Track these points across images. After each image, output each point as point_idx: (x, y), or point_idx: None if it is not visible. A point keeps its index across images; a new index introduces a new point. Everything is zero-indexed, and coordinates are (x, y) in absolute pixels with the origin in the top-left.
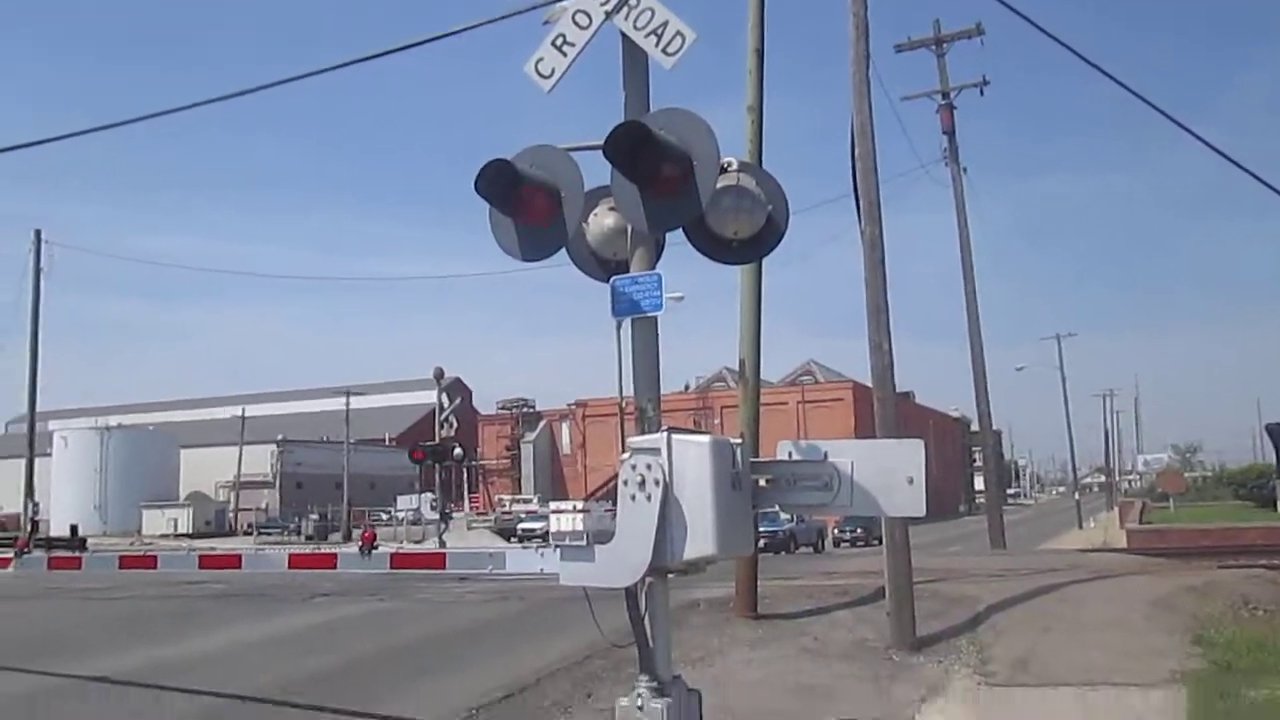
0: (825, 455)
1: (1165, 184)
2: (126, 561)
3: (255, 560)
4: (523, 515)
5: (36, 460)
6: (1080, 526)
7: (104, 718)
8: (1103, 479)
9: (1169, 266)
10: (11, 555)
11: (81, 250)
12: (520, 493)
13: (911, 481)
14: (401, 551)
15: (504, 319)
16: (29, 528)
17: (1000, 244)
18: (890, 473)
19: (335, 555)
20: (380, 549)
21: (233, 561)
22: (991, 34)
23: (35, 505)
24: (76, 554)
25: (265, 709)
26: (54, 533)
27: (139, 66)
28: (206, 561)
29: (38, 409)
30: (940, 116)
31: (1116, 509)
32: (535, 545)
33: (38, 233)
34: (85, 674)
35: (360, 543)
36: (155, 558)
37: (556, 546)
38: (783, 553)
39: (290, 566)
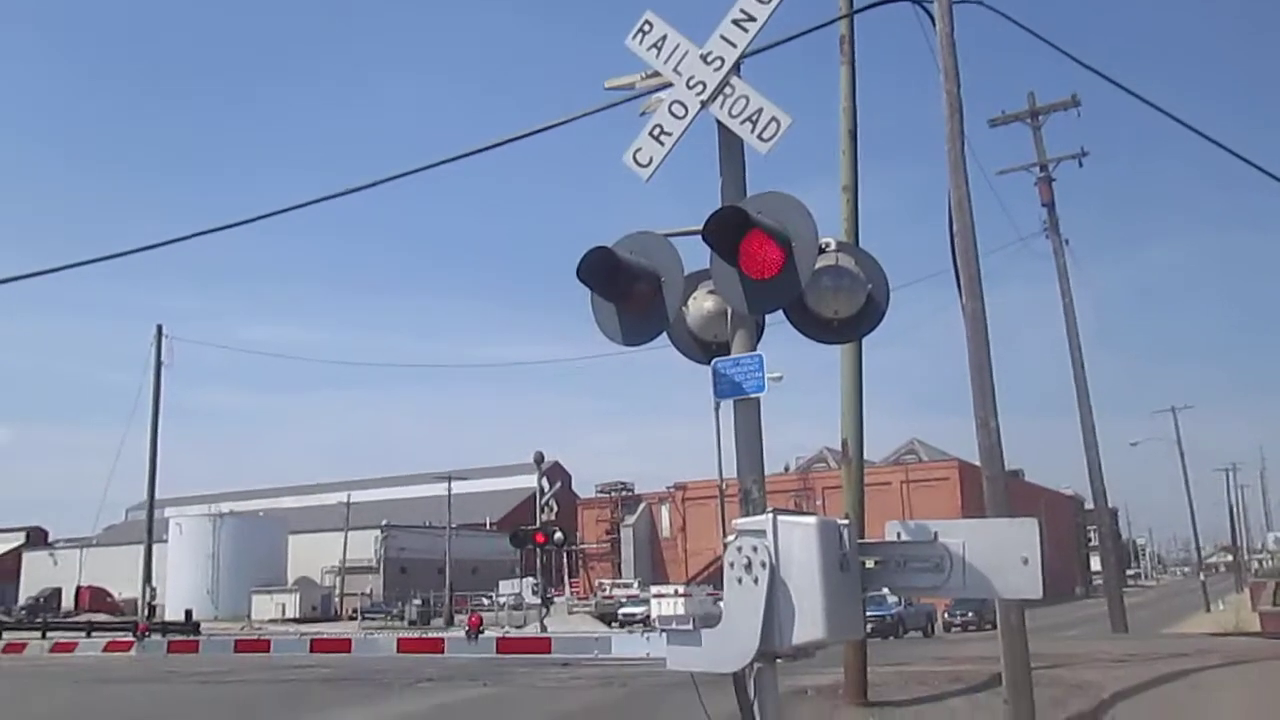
0: (935, 535)
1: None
2: (241, 645)
3: (364, 644)
4: (623, 600)
5: (154, 546)
6: (1208, 609)
7: None
8: (1229, 558)
9: None
10: (132, 639)
11: (198, 343)
12: (620, 577)
13: (1026, 562)
14: (507, 636)
15: (602, 403)
16: (147, 612)
17: (1109, 317)
18: (1003, 553)
19: (443, 640)
20: (486, 633)
21: (343, 645)
22: (1090, 106)
23: (153, 590)
24: (193, 638)
25: None
26: (169, 617)
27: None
28: (317, 645)
29: (156, 497)
30: (1039, 189)
31: (1247, 590)
32: (639, 630)
33: (159, 327)
34: None
35: (467, 627)
36: (269, 641)
37: (663, 630)
38: (891, 638)
39: (399, 650)
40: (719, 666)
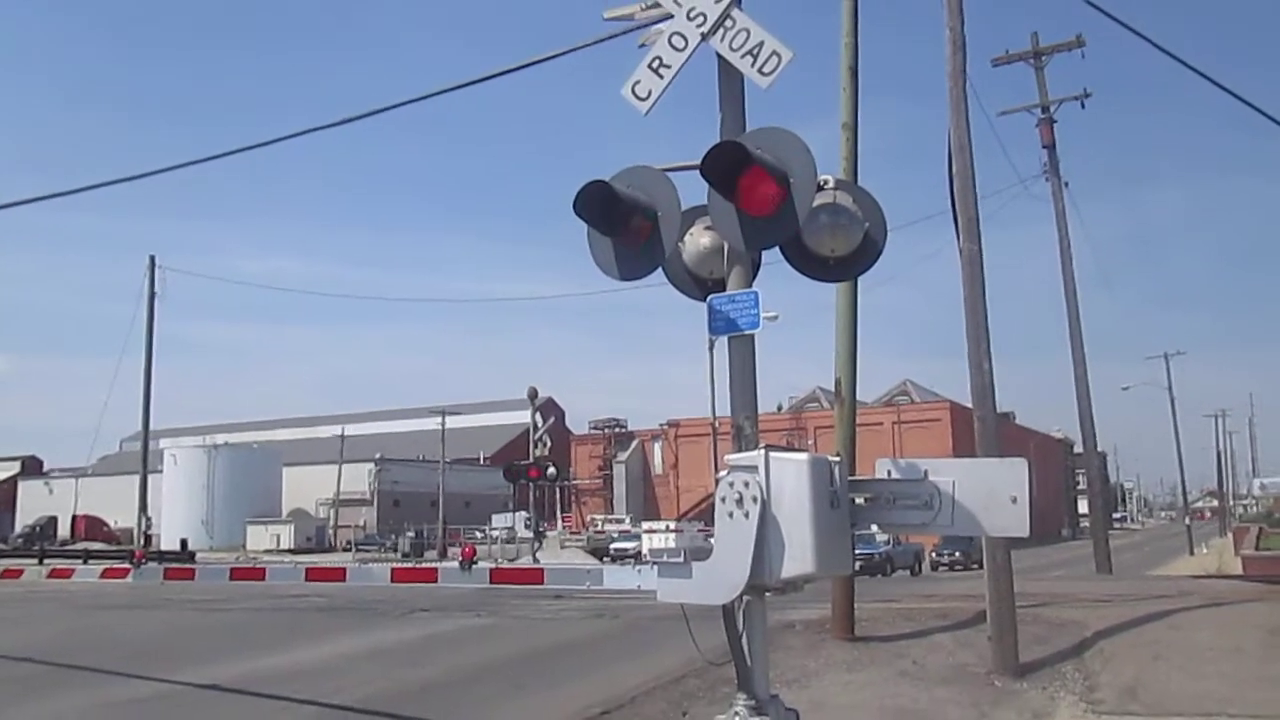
0: (925, 474)
1: (1278, 194)
2: (237, 573)
3: (359, 574)
4: (615, 535)
5: (149, 477)
6: (1192, 552)
7: None
8: (1215, 503)
9: None
10: (129, 566)
11: (192, 274)
12: (612, 512)
13: (1015, 501)
14: (500, 567)
15: (597, 339)
16: (143, 541)
17: (1106, 261)
18: (992, 492)
19: (436, 570)
20: (480, 564)
21: (337, 575)
22: (1093, 45)
23: (148, 520)
24: (189, 566)
25: None
26: (164, 546)
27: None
28: (312, 574)
29: (150, 428)
30: (1040, 131)
31: (1231, 534)
32: (631, 564)
33: (152, 258)
34: (198, 681)
35: (460, 558)
36: (264, 570)
37: (654, 563)
38: (879, 575)
39: (393, 580)
40: (709, 599)
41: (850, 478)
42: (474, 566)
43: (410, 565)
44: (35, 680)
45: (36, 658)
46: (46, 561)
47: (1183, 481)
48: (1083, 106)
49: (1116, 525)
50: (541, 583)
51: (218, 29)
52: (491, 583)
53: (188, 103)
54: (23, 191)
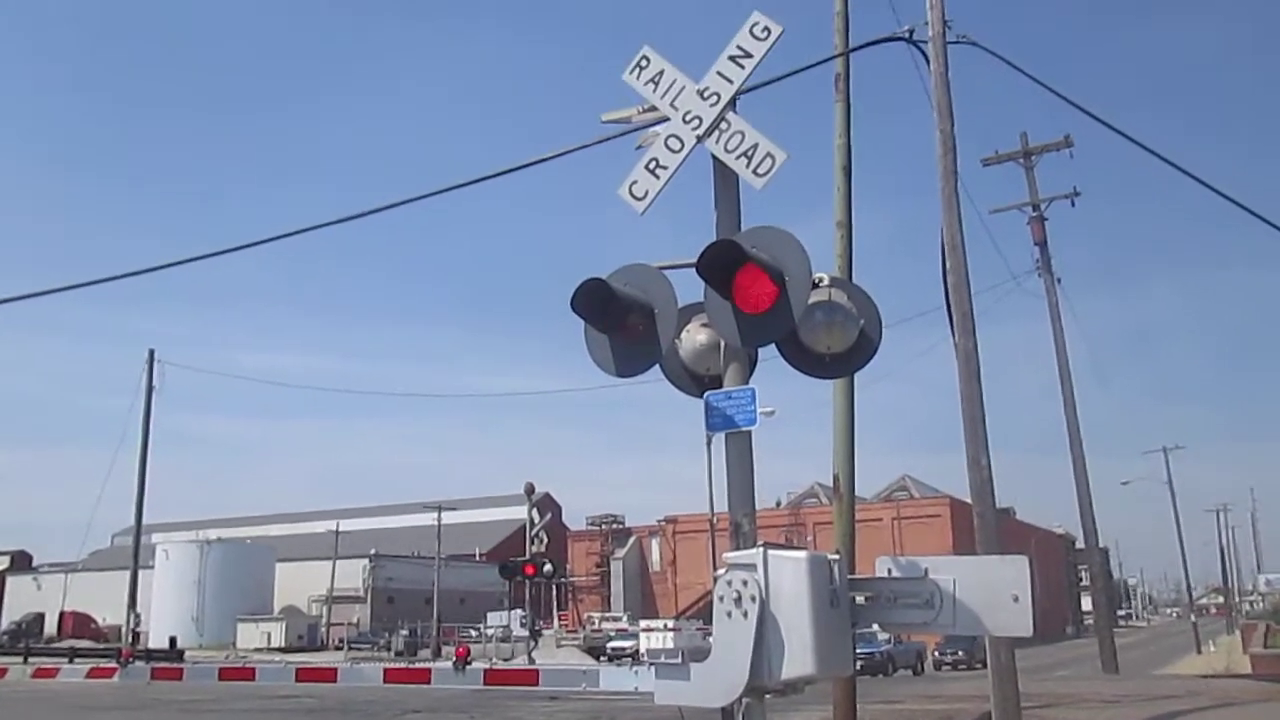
0: (926, 572)
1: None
2: (226, 673)
3: (350, 674)
4: (612, 633)
5: (139, 573)
6: (1199, 650)
7: None
8: (1220, 600)
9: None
10: (116, 665)
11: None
12: (610, 610)
13: (1017, 600)
14: (494, 668)
15: (594, 434)
16: (131, 639)
17: (1101, 355)
18: (994, 590)
19: (430, 670)
20: (474, 665)
21: (328, 675)
22: (1081, 143)
23: (137, 617)
24: (177, 665)
25: None
26: (153, 644)
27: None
28: (303, 675)
29: (143, 522)
30: (1031, 228)
31: (1239, 632)
32: (628, 664)
33: (151, 352)
34: None
35: (455, 658)
36: (254, 670)
37: (651, 664)
38: (880, 675)
39: (385, 681)
40: (707, 701)
41: (850, 576)
42: (468, 666)
43: (403, 665)
44: None
45: None
46: (31, 660)
47: (1187, 577)
48: (1073, 204)
49: (1121, 622)
50: (536, 684)
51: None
52: (486, 684)
53: (187, 171)
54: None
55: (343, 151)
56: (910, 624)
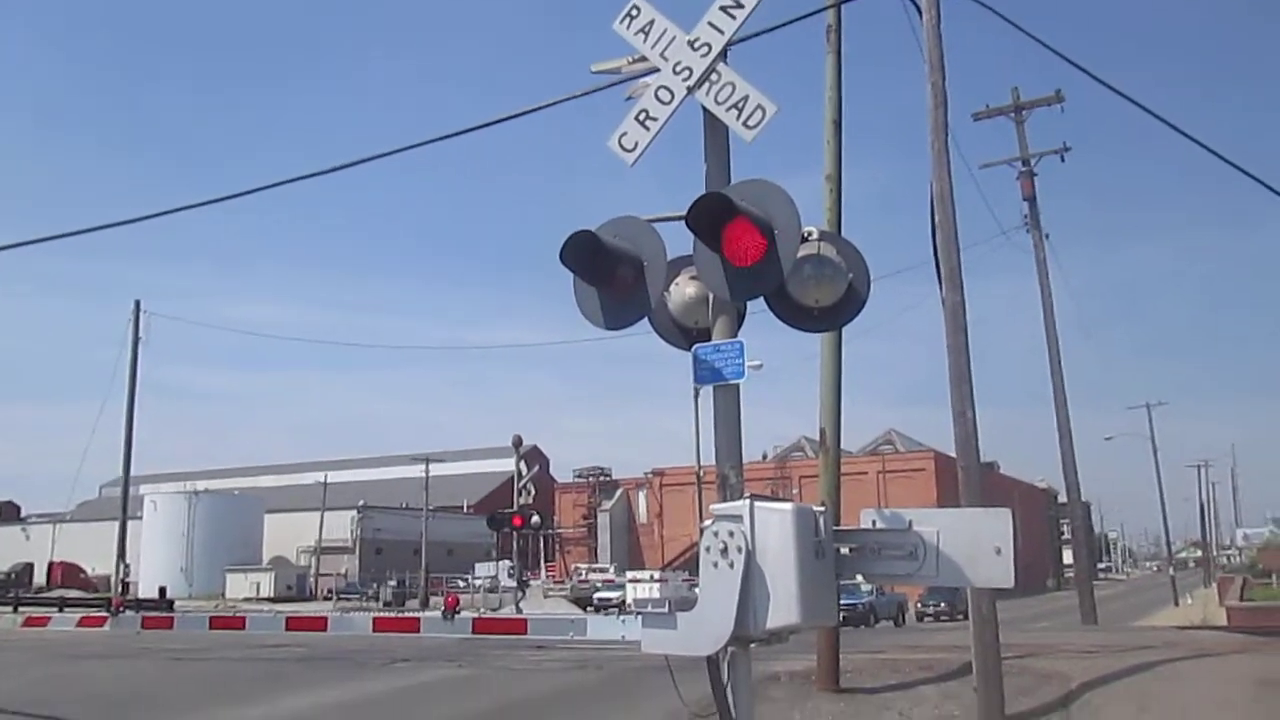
0: (910, 524)
1: (1256, 245)
2: (216, 622)
3: (340, 623)
4: (599, 585)
5: (128, 524)
6: (1176, 603)
7: None
8: (1199, 554)
9: (1262, 331)
10: (106, 615)
11: (176, 319)
12: (596, 561)
13: (999, 551)
14: (483, 617)
15: (581, 387)
16: (121, 589)
17: (1087, 311)
18: (977, 542)
19: (419, 619)
20: (462, 614)
21: (318, 624)
22: (1072, 99)
23: (126, 567)
24: (167, 614)
25: None
26: (142, 594)
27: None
28: (293, 624)
29: (131, 473)
30: (1021, 183)
31: (1215, 585)
32: (614, 614)
33: (137, 303)
34: None
35: (444, 608)
36: (244, 619)
37: (638, 613)
38: (862, 626)
39: (375, 630)
40: (693, 650)
41: (835, 528)
42: (457, 616)
43: (392, 615)
44: None
45: (9, 708)
46: (21, 609)
47: (1166, 532)
48: (1062, 160)
49: (1101, 576)
50: (525, 633)
51: (213, 64)
52: (474, 633)
53: (172, 137)
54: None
55: (335, 127)
56: (894, 575)
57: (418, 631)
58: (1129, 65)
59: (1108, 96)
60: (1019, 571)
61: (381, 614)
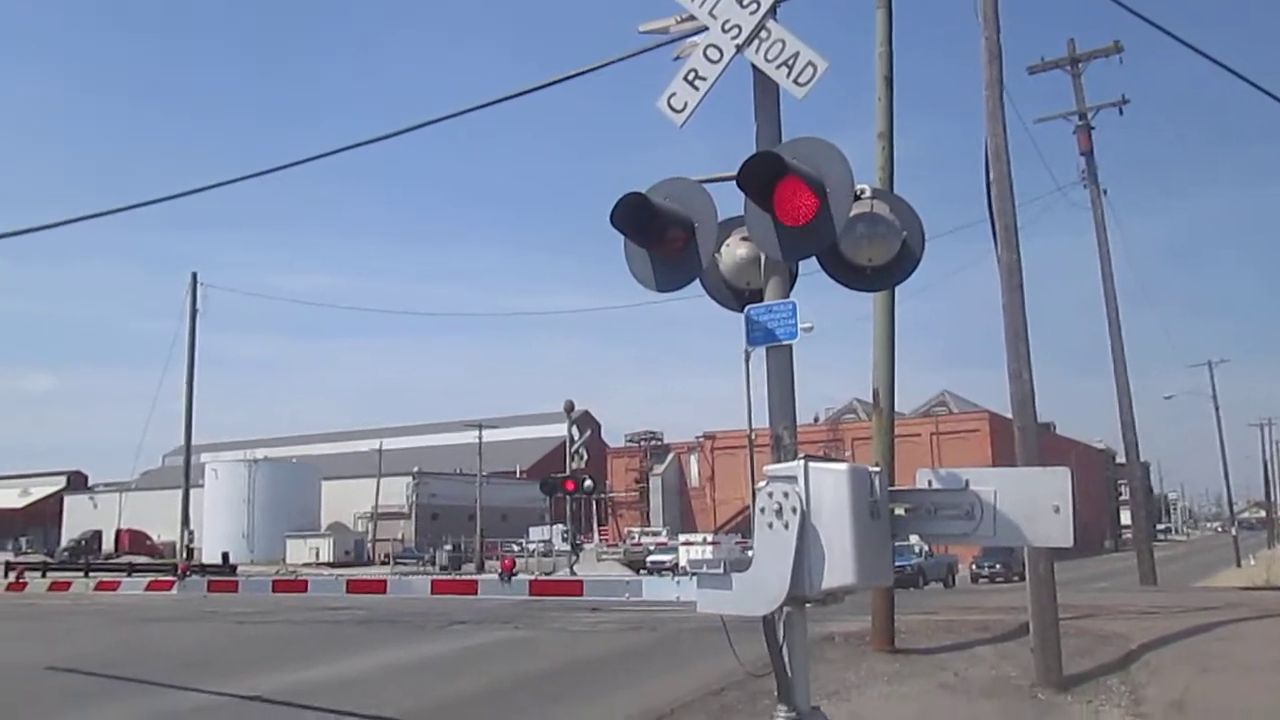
0: (966, 483)
1: None
2: (279, 586)
3: (399, 586)
4: (652, 547)
5: (190, 491)
6: (1239, 564)
7: None
8: (1262, 514)
9: None
10: (173, 579)
11: (233, 290)
12: (649, 525)
13: (1058, 510)
14: (539, 579)
15: (633, 351)
16: (186, 554)
17: (1146, 268)
18: (1035, 502)
19: (476, 582)
20: (518, 577)
21: (378, 587)
22: (1131, 52)
23: (190, 534)
24: (232, 578)
25: None
26: (205, 560)
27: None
28: (354, 586)
29: (192, 443)
30: (1077, 138)
31: (1279, 545)
32: (668, 576)
33: (194, 275)
34: (241, 693)
35: (500, 570)
36: (306, 582)
37: (694, 574)
38: (911, 588)
39: (433, 592)
40: (749, 610)
41: (890, 488)
42: (513, 579)
43: (450, 578)
44: (82, 691)
45: (84, 669)
46: (92, 574)
47: (1228, 490)
48: (1121, 113)
49: (1161, 537)
50: (580, 594)
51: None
52: (531, 595)
53: (231, 104)
54: (68, 201)
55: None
56: (950, 535)
57: (475, 594)
58: (1191, 16)
59: (1169, 49)
60: (1077, 532)
61: (439, 577)
